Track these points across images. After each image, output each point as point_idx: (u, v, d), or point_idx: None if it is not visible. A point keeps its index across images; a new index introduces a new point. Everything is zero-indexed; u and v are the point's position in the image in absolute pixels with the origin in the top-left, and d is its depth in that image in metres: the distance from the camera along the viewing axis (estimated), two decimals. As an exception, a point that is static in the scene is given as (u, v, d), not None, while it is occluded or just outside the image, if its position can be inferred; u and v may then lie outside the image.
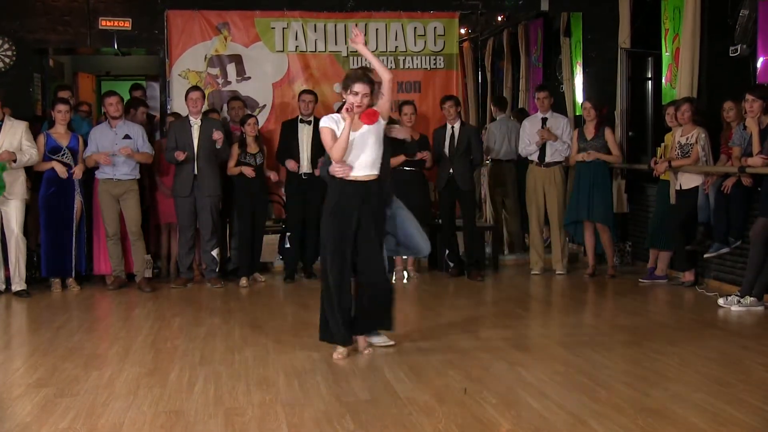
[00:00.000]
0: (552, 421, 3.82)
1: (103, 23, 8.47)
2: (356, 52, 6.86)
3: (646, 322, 6.16)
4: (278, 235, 8.45)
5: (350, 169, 4.94)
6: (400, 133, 5.26)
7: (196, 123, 7.73)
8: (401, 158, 7.65)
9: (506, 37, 11.47)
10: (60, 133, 7.53)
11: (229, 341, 5.55)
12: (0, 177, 7.09)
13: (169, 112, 8.49)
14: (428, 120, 8.78)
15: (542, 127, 8.19)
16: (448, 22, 8.95)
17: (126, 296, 7.39)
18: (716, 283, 7.20)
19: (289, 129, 8.07)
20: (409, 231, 5.31)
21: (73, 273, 7.60)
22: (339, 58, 8.79)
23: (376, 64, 5.00)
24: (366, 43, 5.03)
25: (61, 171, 7.42)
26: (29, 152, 7.22)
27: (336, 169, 4.97)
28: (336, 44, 8.74)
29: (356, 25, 8.31)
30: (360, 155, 4.94)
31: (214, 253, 7.84)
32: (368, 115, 4.87)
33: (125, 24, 8.50)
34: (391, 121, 5.68)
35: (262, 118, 8.55)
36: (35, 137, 7.40)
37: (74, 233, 7.55)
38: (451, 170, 8.00)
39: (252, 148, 7.81)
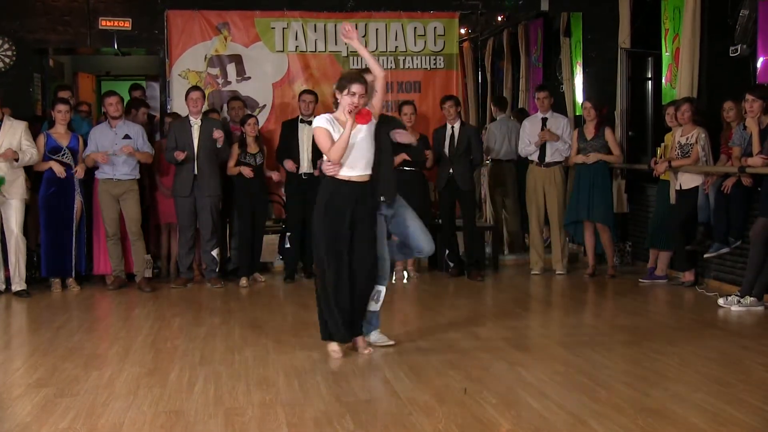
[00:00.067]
0: (552, 421, 3.82)
1: (103, 23, 8.47)
2: (356, 52, 6.83)
3: (646, 322, 6.16)
4: (278, 235, 8.45)
5: (340, 168, 4.94)
6: (405, 138, 5.26)
7: (196, 123, 7.73)
8: (401, 158, 7.64)
9: (506, 37, 11.47)
10: (60, 133, 7.53)
11: (229, 341, 5.55)
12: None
13: (168, 112, 8.49)
14: (428, 120, 8.78)
15: (542, 128, 8.20)
16: (448, 22, 8.94)
17: (126, 296, 7.39)
18: (716, 283, 7.20)
19: (289, 129, 8.07)
20: (412, 229, 5.31)
21: (73, 273, 7.60)
22: (339, 58, 8.79)
23: (369, 60, 5.03)
24: (366, 45, 5.03)
25: (59, 171, 7.41)
26: (29, 152, 7.22)
27: (328, 167, 4.98)
28: (336, 44, 8.73)
29: (356, 25, 8.29)
30: (356, 155, 4.95)
31: (214, 253, 7.84)
32: (362, 115, 4.90)
33: (125, 24, 8.50)
34: (393, 120, 5.67)
35: (262, 118, 8.55)
36: (35, 137, 7.40)
37: (74, 233, 7.55)
38: (451, 170, 8.00)
39: (252, 148, 7.81)
